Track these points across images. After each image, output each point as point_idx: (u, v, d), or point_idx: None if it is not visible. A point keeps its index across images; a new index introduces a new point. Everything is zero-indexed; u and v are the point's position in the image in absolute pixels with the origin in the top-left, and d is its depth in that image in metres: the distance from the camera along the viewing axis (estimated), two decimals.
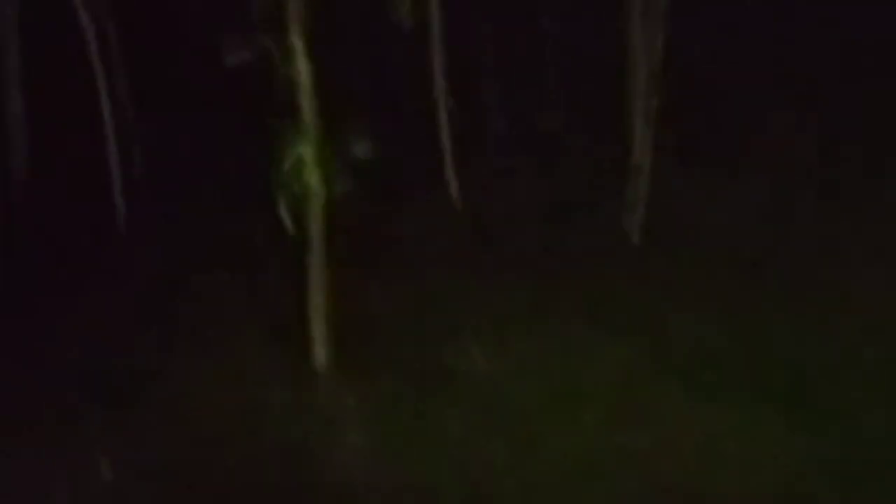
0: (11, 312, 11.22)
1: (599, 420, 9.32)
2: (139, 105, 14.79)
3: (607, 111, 14.56)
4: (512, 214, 12.79)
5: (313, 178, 6.70)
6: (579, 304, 10.85)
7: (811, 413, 9.31)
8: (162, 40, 14.98)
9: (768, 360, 10.06)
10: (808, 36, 14.78)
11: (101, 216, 12.93)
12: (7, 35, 14.27)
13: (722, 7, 15.03)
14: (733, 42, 15.22)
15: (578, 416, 9.35)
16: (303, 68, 6.48)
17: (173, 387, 9.82)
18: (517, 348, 10.04)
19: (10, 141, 14.57)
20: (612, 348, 10.25)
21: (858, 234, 12.08)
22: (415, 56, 13.53)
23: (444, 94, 13.38)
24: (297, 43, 6.41)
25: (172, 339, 10.28)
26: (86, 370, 10.19)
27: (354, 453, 8.26)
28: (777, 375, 9.85)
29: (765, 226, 12.42)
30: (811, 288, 11.08)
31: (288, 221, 6.88)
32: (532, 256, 11.78)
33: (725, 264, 11.60)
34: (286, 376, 9.24)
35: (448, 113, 12.92)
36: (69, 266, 12.16)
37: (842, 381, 9.64)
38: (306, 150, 6.54)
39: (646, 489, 8.48)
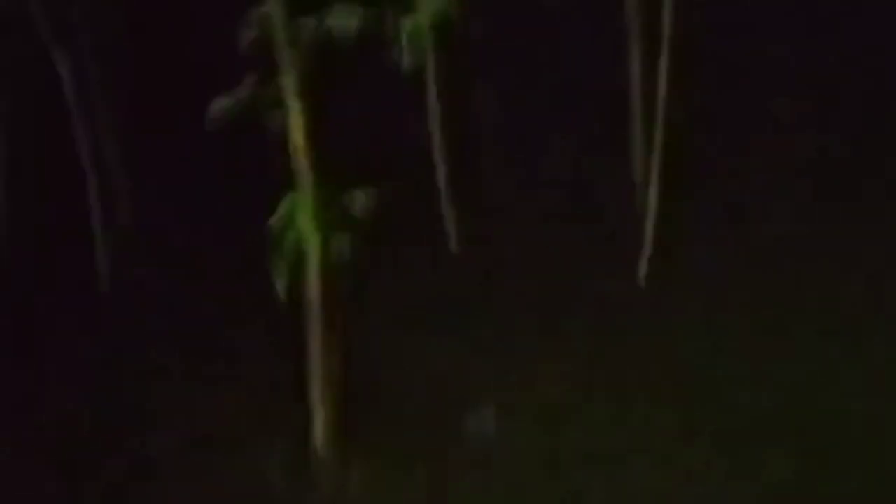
0: None
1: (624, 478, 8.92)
2: (126, 159, 14.42)
3: (610, 154, 14.31)
4: (514, 263, 12.30)
5: (310, 236, 6.17)
6: (590, 352, 10.41)
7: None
8: (151, 94, 14.64)
9: (797, 410, 9.66)
10: (821, 65, 14.44)
11: (83, 274, 12.46)
12: None
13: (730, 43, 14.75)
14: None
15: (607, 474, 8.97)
16: (297, 121, 6.00)
17: (166, 474, 9.25)
18: (526, 410, 9.54)
19: None
20: (630, 404, 9.81)
21: (872, 272, 11.72)
22: (410, 105, 13.24)
23: (441, 145, 12.97)
24: (292, 95, 5.94)
25: (160, 418, 9.71)
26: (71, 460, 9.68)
27: None
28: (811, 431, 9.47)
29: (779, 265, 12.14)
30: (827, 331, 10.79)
31: (281, 285, 6.34)
32: (536, 305, 11.27)
33: (736, 308, 11.22)
34: (284, 458, 8.54)
35: (446, 164, 12.57)
36: (48, 324, 11.69)
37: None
38: (302, 207, 6.03)
39: None
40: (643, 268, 11.32)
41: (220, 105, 5.98)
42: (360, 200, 6.19)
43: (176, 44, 14.71)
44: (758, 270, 11.67)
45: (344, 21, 5.49)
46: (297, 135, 6.03)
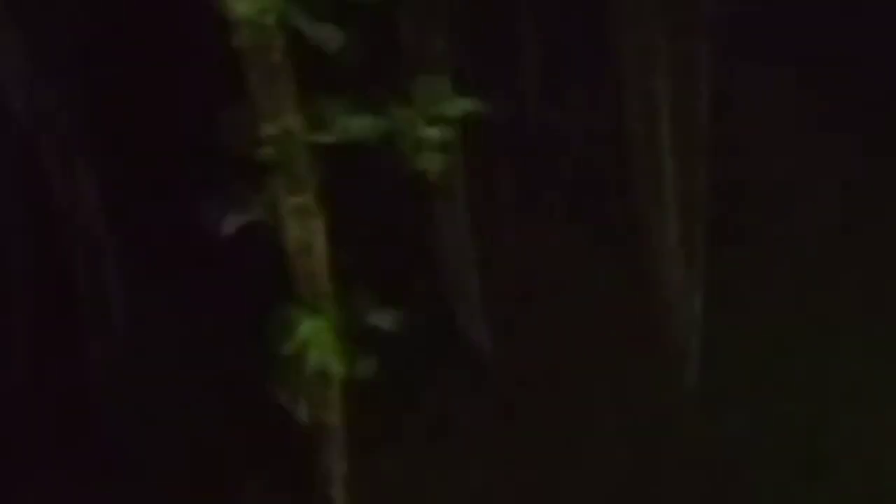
0: None
1: None
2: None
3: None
4: (547, 378, 11.68)
5: (331, 357, 5.60)
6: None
7: None
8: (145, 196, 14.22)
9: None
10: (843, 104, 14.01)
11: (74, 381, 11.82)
12: None
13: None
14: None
15: None
16: (318, 241, 5.50)
17: None
18: None
19: None
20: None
21: None
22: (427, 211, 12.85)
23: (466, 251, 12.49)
24: (309, 212, 5.45)
25: None
26: None
27: None
28: None
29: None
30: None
31: (299, 409, 5.74)
32: (575, 414, 10.64)
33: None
34: None
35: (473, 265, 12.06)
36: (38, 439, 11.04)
37: None
38: (320, 325, 5.47)
39: None
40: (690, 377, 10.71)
41: (233, 222, 5.47)
42: (385, 322, 5.63)
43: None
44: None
45: (356, 128, 5.02)
46: (317, 260, 5.52)
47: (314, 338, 5.50)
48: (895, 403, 10.47)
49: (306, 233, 5.50)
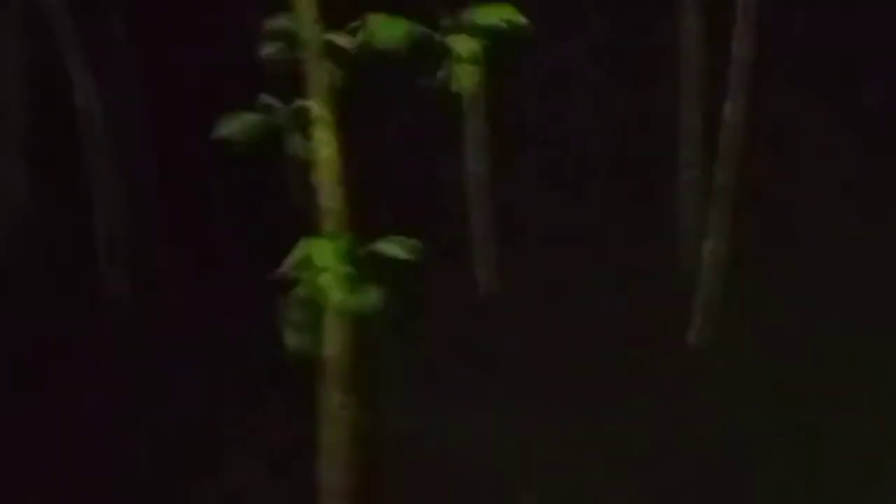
0: None
1: None
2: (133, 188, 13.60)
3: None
4: (548, 323, 11.30)
5: (333, 288, 5.19)
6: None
7: None
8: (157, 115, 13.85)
9: None
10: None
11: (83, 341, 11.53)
12: None
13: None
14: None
15: None
16: (324, 152, 5.06)
17: None
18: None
19: None
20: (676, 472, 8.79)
21: None
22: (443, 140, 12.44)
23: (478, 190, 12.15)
24: (319, 121, 5.00)
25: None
26: None
27: None
28: None
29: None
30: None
31: (293, 342, 5.34)
32: (581, 373, 10.28)
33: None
34: None
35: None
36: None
37: None
38: (323, 253, 5.06)
39: None
40: (692, 333, 10.31)
41: (230, 126, 5.02)
42: (394, 251, 5.19)
43: (186, 64, 13.97)
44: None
45: (387, 34, 4.53)
46: (324, 169, 5.07)
47: (317, 260, 5.08)
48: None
49: (322, 145, 5.05)
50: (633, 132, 14.37)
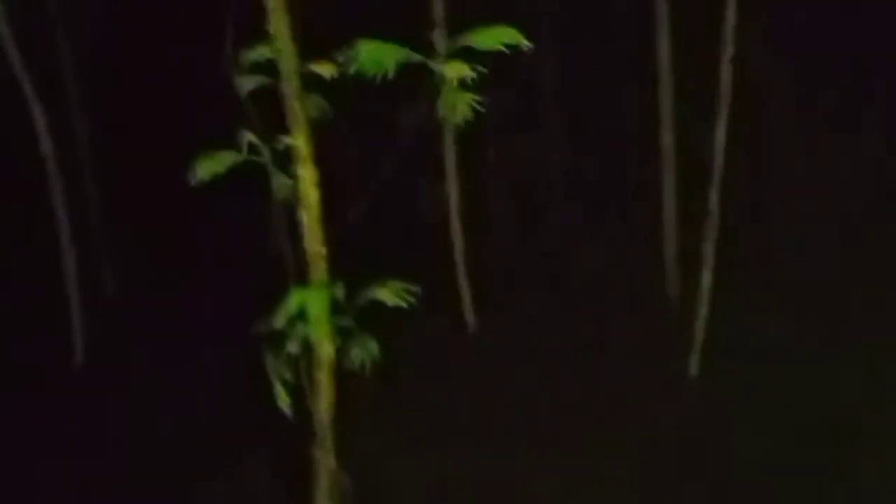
0: None
1: None
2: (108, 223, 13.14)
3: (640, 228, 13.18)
4: (539, 359, 10.93)
5: (324, 340, 4.78)
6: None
7: None
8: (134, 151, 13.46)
9: None
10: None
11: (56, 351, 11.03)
12: None
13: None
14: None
15: None
16: (308, 194, 4.65)
17: None
18: None
19: None
20: None
21: None
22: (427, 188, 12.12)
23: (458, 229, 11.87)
24: (303, 159, 4.60)
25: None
26: None
27: None
28: None
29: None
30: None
31: (283, 400, 4.91)
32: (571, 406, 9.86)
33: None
34: None
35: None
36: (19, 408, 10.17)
37: None
38: (316, 300, 4.65)
39: None
40: (694, 360, 9.96)
41: (207, 165, 4.61)
42: (389, 298, 4.77)
43: (164, 96, 13.62)
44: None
45: (378, 61, 4.14)
46: (309, 211, 4.65)
47: (307, 310, 4.66)
48: None
49: (307, 185, 4.64)
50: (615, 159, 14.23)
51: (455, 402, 9.97)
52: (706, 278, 9.88)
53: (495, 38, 4.04)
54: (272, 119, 4.72)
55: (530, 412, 9.73)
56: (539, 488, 8.53)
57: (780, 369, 10.33)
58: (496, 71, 4.46)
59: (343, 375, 5.26)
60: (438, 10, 10.28)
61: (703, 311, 9.92)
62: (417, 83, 4.86)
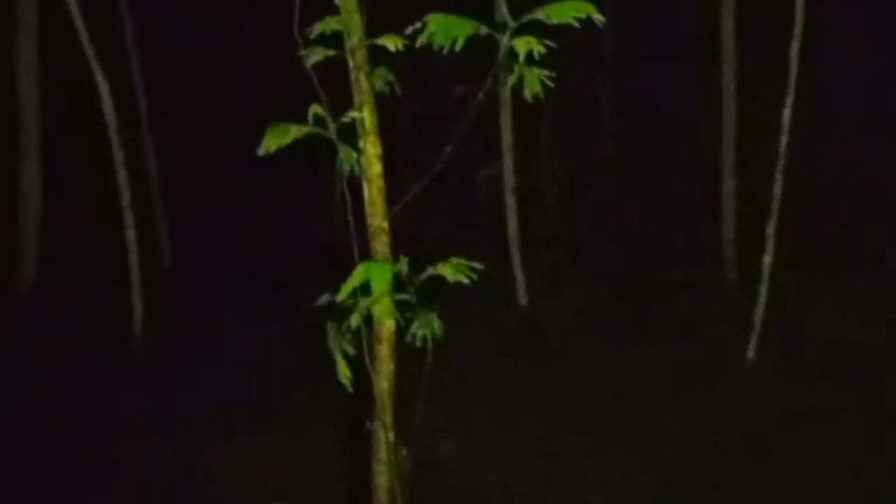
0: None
1: None
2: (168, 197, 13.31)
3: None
4: (592, 340, 10.78)
5: (387, 316, 4.77)
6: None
7: None
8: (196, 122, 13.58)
9: None
10: None
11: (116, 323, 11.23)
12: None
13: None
14: None
15: None
16: (373, 170, 4.62)
17: None
18: None
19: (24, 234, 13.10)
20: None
21: None
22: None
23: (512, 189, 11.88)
24: (368, 134, 4.57)
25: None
26: None
27: None
28: None
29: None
30: None
31: (344, 373, 4.90)
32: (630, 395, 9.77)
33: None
34: None
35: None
36: (75, 379, 10.38)
37: None
38: (381, 275, 4.62)
39: None
40: (752, 349, 9.81)
41: (274, 139, 4.60)
42: (452, 275, 4.73)
43: (227, 72, 13.75)
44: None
45: (449, 35, 4.09)
46: (374, 186, 4.63)
47: (375, 286, 4.64)
48: None
49: (372, 160, 4.61)
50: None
51: (508, 381, 9.94)
52: (767, 262, 9.69)
53: (567, 11, 3.96)
54: (339, 92, 4.71)
55: (584, 393, 9.66)
56: (595, 469, 8.46)
57: (841, 358, 10.13)
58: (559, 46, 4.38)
59: (404, 350, 5.26)
60: None
61: (763, 295, 9.73)
62: (477, 58, 4.81)
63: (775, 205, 9.42)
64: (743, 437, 8.82)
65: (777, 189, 9.46)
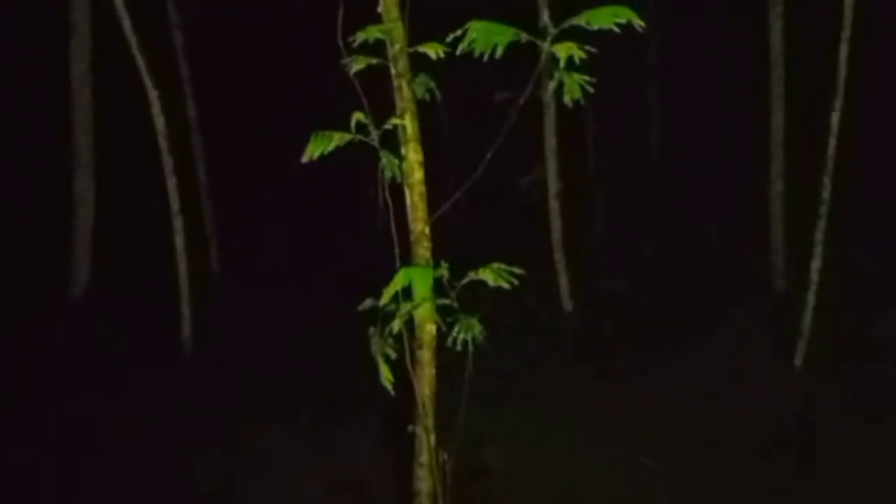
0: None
1: None
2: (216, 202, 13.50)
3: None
4: (636, 347, 10.77)
5: (428, 321, 4.81)
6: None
7: None
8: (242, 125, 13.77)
9: None
10: None
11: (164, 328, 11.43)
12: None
13: None
14: None
15: None
16: (415, 176, 4.67)
17: None
18: None
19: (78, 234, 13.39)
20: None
21: None
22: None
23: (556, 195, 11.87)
24: (410, 142, 4.62)
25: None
26: None
27: None
28: None
29: None
30: None
31: (386, 377, 4.95)
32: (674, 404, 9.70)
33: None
34: None
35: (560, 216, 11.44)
36: (126, 383, 10.58)
37: None
38: (423, 280, 4.68)
39: None
40: (800, 352, 9.68)
41: (318, 145, 4.67)
42: (490, 278, 4.76)
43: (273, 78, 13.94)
44: None
45: (490, 41, 4.12)
46: (415, 191, 4.69)
47: (417, 291, 4.69)
48: None
49: (413, 166, 4.67)
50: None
51: (551, 385, 9.92)
52: (815, 267, 9.56)
53: (607, 17, 3.97)
54: (381, 99, 4.77)
55: (628, 399, 9.60)
56: (641, 477, 8.39)
57: (890, 365, 9.96)
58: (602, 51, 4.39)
59: (445, 355, 5.29)
60: None
61: (811, 301, 9.60)
62: (519, 63, 4.83)
63: (823, 210, 9.29)
64: (786, 442, 8.71)
65: (825, 194, 9.33)
